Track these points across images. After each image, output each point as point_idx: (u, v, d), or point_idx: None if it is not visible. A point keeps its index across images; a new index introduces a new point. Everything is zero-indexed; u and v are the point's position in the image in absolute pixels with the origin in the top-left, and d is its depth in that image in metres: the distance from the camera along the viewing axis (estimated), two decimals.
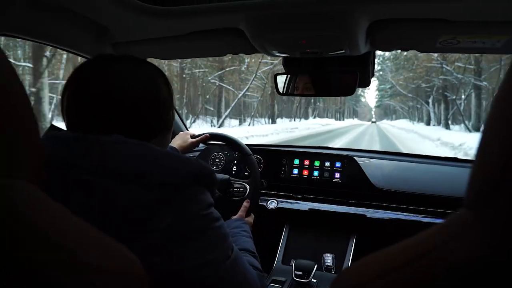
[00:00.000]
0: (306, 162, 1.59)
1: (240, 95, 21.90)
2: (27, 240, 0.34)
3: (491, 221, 0.26)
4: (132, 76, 0.62)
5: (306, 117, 48.50)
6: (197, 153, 1.73)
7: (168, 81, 0.69)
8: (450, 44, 0.90)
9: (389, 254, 0.31)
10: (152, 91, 0.64)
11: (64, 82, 0.89)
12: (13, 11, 0.80)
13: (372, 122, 79.09)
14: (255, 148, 1.67)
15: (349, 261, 1.36)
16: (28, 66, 11.64)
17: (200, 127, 21.33)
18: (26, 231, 0.34)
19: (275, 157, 1.65)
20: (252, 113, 29.92)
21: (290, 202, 1.55)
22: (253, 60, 23.46)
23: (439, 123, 28.10)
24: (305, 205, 1.52)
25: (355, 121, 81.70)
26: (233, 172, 1.64)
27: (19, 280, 0.33)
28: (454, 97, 22.67)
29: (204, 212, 0.58)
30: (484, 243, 0.26)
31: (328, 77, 1.19)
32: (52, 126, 0.63)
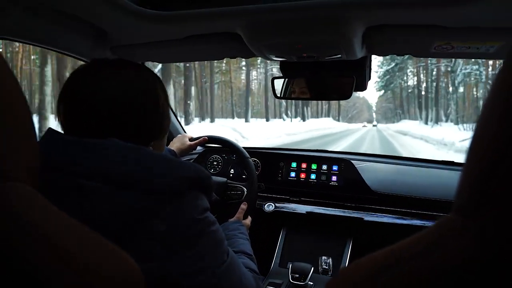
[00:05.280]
0: (304, 165, 1.60)
1: None
2: (25, 241, 0.34)
3: (479, 227, 0.26)
4: (128, 81, 0.62)
5: None
6: (195, 156, 1.73)
7: (163, 86, 0.70)
8: (444, 49, 0.91)
9: (377, 257, 0.31)
10: (149, 96, 0.64)
11: None
12: (12, 15, 0.80)
13: (373, 126, 57.58)
14: (253, 151, 1.68)
15: (345, 264, 1.36)
16: None
17: None
18: (24, 233, 0.34)
19: (272, 160, 1.65)
20: None
21: (287, 205, 1.55)
22: None
23: None
24: (302, 208, 1.52)
25: (320, 123, 39.05)
26: (231, 175, 1.64)
27: (17, 281, 0.34)
28: None
29: (199, 217, 0.58)
30: (471, 250, 0.26)
31: (324, 81, 1.20)
32: (50, 130, 0.63)
